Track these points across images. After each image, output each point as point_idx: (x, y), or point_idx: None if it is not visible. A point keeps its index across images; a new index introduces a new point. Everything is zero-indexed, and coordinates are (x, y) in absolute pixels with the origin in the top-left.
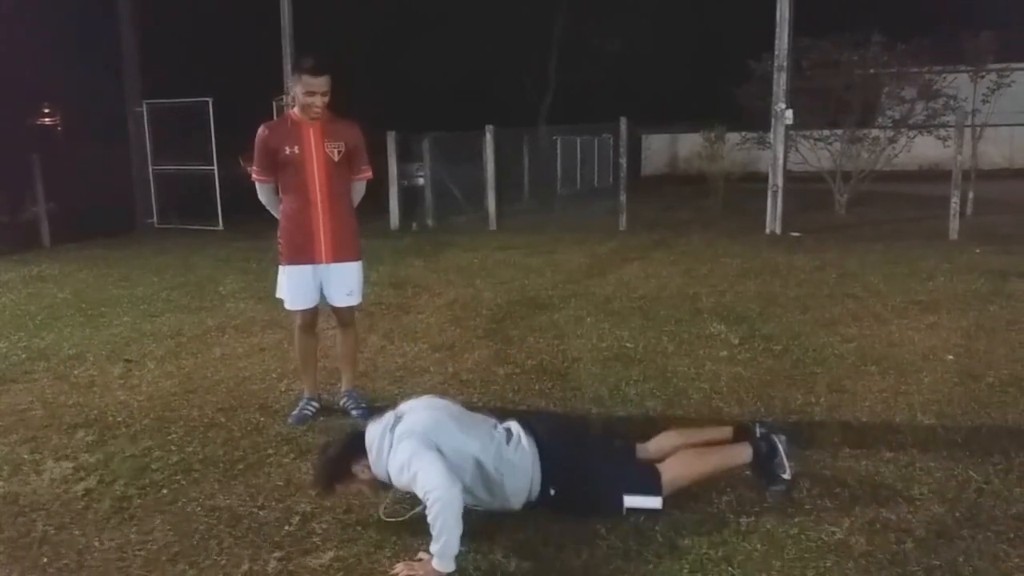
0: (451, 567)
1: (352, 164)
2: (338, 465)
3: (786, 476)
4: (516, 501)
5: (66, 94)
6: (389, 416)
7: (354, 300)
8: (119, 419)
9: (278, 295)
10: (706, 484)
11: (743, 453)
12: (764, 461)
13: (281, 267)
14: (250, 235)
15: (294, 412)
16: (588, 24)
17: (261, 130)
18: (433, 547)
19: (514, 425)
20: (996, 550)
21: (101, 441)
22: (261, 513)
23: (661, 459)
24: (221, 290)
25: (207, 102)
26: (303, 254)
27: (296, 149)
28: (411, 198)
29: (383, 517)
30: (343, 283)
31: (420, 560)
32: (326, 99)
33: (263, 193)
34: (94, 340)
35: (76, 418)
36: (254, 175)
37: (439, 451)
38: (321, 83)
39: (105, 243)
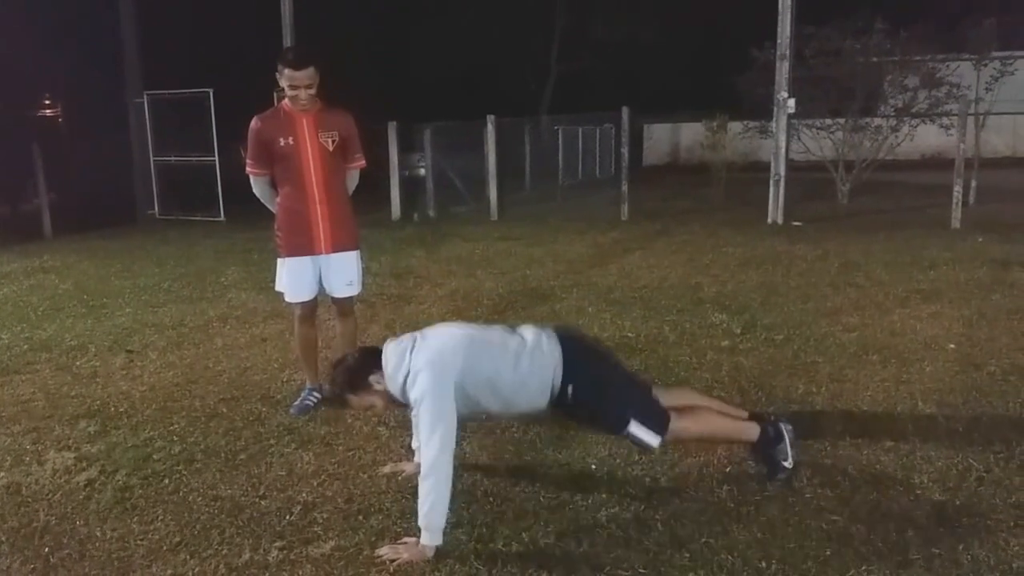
0: (438, 540)
1: (346, 153)
2: (356, 375)
3: (787, 464)
4: (540, 401)
5: (67, 85)
6: (408, 339)
7: (354, 290)
8: (121, 410)
9: (277, 288)
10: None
11: (751, 431)
12: (768, 445)
13: (280, 260)
14: (251, 226)
15: (296, 402)
16: (589, 13)
17: (254, 122)
18: (420, 511)
19: (529, 331)
20: (996, 539)
21: (103, 432)
22: (263, 503)
23: (673, 409)
24: (223, 280)
25: (208, 93)
26: (302, 245)
27: (290, 140)
28: (412, 188)
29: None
30: (343, 273)
31: (405, 543)
32: (311, 91)
33: (257, 186)
34: (96, 331)
35: (78, 409)
36: (248, 168)
37: (455, 381)
38: (303, 76)
39: (107, 234)
